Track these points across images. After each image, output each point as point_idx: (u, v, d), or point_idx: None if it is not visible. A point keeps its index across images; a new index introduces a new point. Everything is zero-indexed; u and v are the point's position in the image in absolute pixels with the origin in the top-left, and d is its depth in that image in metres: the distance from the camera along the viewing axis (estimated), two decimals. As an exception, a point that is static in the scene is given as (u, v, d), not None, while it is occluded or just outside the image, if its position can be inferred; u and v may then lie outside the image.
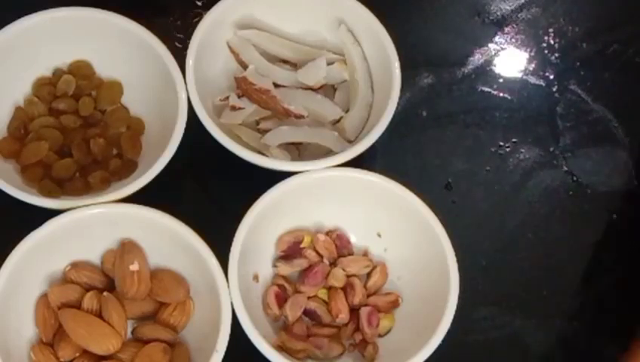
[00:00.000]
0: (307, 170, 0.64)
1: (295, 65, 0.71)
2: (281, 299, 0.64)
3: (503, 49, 0.76)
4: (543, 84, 0.75)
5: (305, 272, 0.65)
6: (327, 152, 0.67)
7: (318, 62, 0.69)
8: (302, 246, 0.66)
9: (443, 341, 0.60)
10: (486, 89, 0.74)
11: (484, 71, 0.75)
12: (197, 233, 0.62)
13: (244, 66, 0.70)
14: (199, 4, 0.74)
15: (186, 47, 0.67)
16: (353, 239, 0.67)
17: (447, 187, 0.70)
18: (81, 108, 0.68)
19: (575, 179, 0.71)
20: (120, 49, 0.68)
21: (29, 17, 0.66)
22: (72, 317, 0.61)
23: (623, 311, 0.68)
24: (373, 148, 0.66)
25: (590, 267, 0.69)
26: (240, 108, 0.68)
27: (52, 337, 0.62)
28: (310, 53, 0.71)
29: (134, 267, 0.62)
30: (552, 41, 0.76)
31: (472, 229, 0.68)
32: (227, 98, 0.68)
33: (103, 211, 0.62)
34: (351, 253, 0.67)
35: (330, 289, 0.65)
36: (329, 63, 0.70)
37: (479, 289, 0.67)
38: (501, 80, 0.74)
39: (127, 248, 0.63)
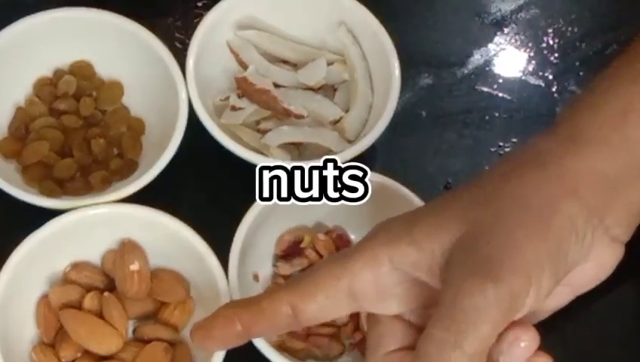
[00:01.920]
0: (307, 170, 0.64)
1: (295, 66, 0.71)
2: (282, 299, 0.64)
3: (502, 49, 0.76)
4: (543, 85, 0.75)
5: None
6: (327, 152, 0.67)
7: (318, 63, 0.70)
8: (302, 245, 0.66)
9: (443, 340, 0.60)
10: (486, 89, 0.74)
11: (484, 71, 0.75)
12: (197, 233, 0.62)
13: (245, 67, 0.70)
14: (199, 4, 0.74)
15: (186, 48, 0.67)
16: (353, 239, 0.67)
17: (447, 187, 0.70)
18: (82, 109, 0.68)
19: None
20: (120, 49, 0.68)
21: (30, 18, 0.67)
22: (73, 317, 0.61)
23: (623, 311, 0.68)
24: (373, 148, 0.66)
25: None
26: (240, 109, 0.68)
27: (53, 337, 0.62)
28: (310, 53, 0.71)
29: (135, 267, 0.62)
30: (551, 42, 0.76)
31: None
32: (227, 98, 0.68)
33: (104, 211, 0.63)
34: (351, 253, 0.67)
35: (330, 288, 0.65)
36: (329, 63, 0.70)
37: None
38: (501, 80, 0.74)
39: (128, 248, 0.63)
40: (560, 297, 0.52)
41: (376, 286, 0.49)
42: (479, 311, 0.45)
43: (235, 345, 0.52)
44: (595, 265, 0.51)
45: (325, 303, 0.50)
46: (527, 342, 0.47)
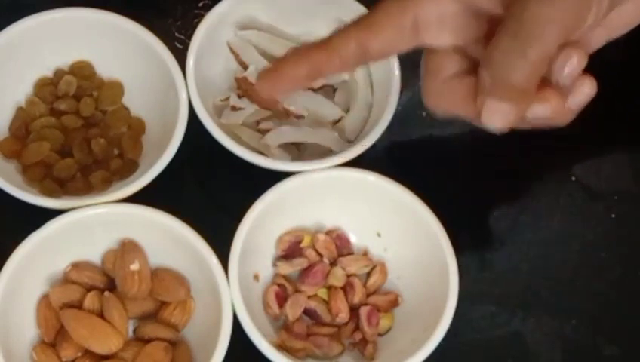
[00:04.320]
0: (307, 170, 0.64)
1: (295, 66, 0.71)
2: (282, 299, 0.64)
3: (502, 49, 0.76)
4: (543, 84, 0.74)
5: (305, 272, 0.65)
6: (327, 152, 0.67)
7: (318, 63, 0.70)
8: (302, 245, 0.66)
9: (442, 340, 0.61)
10: (486, 89, 0.74)
11: (484, 71, 0.74)
12: (197, 233, 0.62)
13: (245, 67, 0.70)
14: (199, 4, 0.74)
15: (186, 48, 0.67)
16: (353, 239, 0.67)
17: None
18: (82, 109, 0.68)
19: (574, 178, 0.71)
20: (121, 50, 0.68)
21: (31, 18, 0.67)
22: (73, 317, 0.61)
23: (622, 311, 0.68)
24: (373, 148, 0.66)
25: (590, 267, 0.69)
26: (240, 109, 0.68)
27: (54, 337, 0.62)
28: (310, 53, 0.71)
29: (135, 266, 0.62)
30: (551, 42, 0.76)
31: (471, 229, 0.68)
32: (228, 98, 0.68)
33: (104, 211, 0.63)
34: (351, 253, 0.67)
35: (330, 288, 0.65)
36: (329, 64, 0.70)
37: (478, 289, 0.67)
38: (501, 80, 0.74)
39: (128, 248, 0.63)
40: (596, 39, 0.54)
41: (438, 18, 0.52)
42: (546, 19, 0.48)
43: (303, 87, 0.55)
44: (634, 6, 0.54)
45: (392, 37, 0.52)
46: (577, 57, 0.50)
